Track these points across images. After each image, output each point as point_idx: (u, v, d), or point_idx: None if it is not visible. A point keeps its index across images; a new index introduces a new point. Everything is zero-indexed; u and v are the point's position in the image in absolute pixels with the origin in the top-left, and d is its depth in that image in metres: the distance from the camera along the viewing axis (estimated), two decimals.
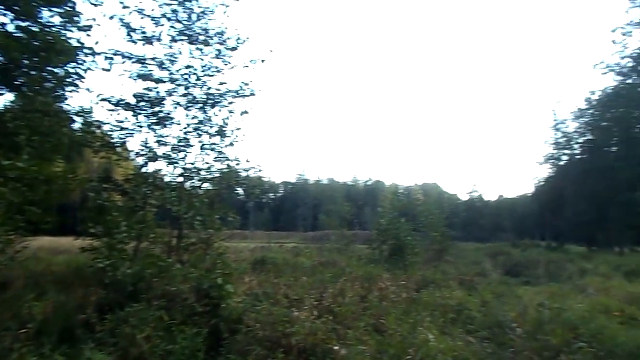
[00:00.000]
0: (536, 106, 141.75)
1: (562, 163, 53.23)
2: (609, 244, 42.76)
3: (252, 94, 11.80)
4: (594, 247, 43.70)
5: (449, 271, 14.61)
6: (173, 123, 11.00)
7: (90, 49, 10.16)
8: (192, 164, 11.19)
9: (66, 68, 9.97)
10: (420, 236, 19.84)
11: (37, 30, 9.43)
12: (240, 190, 13.12)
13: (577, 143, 50.56)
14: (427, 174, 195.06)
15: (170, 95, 10.97)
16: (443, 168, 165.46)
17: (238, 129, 11.58)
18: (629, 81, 40.95)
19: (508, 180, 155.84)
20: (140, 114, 10.61)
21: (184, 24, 11.10)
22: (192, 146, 11.16)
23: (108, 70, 10.42)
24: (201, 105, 11.30)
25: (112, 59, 10.48)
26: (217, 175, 11.53)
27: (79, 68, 10.12)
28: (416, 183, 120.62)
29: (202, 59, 11.40)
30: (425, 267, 15.02)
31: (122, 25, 10.63)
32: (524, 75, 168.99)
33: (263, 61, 11.89)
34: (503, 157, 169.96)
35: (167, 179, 11.17)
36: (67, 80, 10.01)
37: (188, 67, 11.21)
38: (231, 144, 11.55)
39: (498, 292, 11.55)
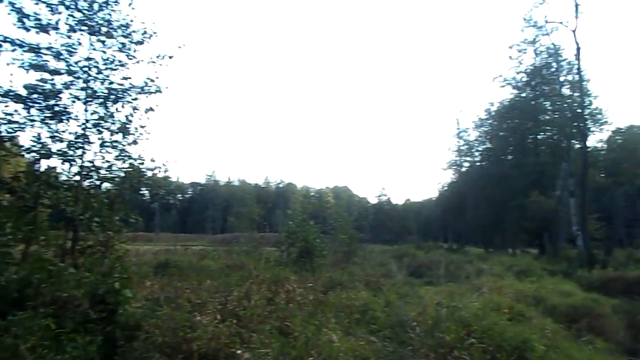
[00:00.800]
0: (442, 114, 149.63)
1: (463, 169, 56.48)
2: (504, 245, 45.86)
3: (158, 91, 11.26)
4: (491, 248, 46.62)
5: (356, 272, 14.89)
6: (70, 118, 10.23)
7: None
8: (91, 161, 10.48)
9: None
10: (329, 238, 20.11)
11: None
12: (144, 191, 12.54)
13: (478, 151, 53.90)
14: (338, 177, 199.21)
15: (67, 88, 10.20)
16: (354, 172, 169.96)
17: (142, 127, 11.03)
18: (523, 94, 44.29)
19: (415, 184, 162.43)
20: (32, 106, 9.78)
21: (84, 13, 10.38)
22: (91, 143, 10.46)
23: None
24: (102, 100, 10.62)
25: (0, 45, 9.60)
26: (119, 174, 10.91)
27: None
28: (327, 186, 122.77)
29: (104, 52, 10.70)
30: (333, 269, 15.21)
31: (12, 10, 9.79)
32: (432, 84, 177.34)
33: (171, 57, 11.41)
34: (411, 162, 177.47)
35: (62, 178, 10.40)
36: None
37: (88, 59, 10.49)
38: (134, 142, 10.96)
39: (402, 292, 11.93)
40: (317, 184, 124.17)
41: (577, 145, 32.20)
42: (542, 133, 44.01)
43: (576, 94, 31.41)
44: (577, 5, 29.94)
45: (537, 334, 6.45)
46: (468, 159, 55.87)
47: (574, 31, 30.22)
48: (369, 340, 6.80)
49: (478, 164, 53.44)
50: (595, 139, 36.16)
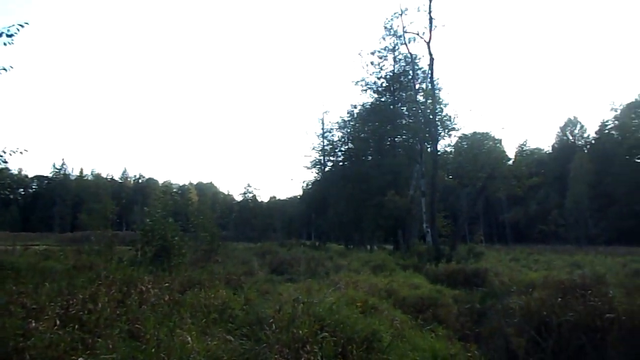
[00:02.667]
0: (309, 114, 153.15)
1: (327, 168, 58.21)
2: (363, 242, 48.13)
3: None
4: (351, 245, 48.69)
5: (216, 271, 14.52)
6: None
7: None
8: None
9: None
10: (189, 236, 19.45)
11: None
12: None
13: (341, 151, 55.82)
14: (203, 173, 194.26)
15: None
16: (220, 168, 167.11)
17: None
18: (383, 99, 46.79)
19: (281, 182, 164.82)
20: None
21: None
22: None
23: None
24: None
25: None
26: None
27: None
28: (191, 182, 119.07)
29: None
30: (193, 268, 14.71)
31: None
32: (299, 84, 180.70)
33: (10, 35, 10.18)
34: (277, 160, 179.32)
35: None
36: None
37: None
38: None
39: (262, 290, 11.87)
40: (180, 180, 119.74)
41: (429, 149, 34.74)
42: (399, 136, 46.73)
43: (429, 101, 33.92)
44: (431, 19, 32.39)
45: (386, 325, 6.76)
46: (332, 158, 57.75)
47: (428, 43, 32.65)
48: (226, 340, 6.62)
49: (341, 163, 55.39)
50: (445, 144, 39.36)
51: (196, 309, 8.64)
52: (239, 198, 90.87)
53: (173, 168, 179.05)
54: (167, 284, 10.39)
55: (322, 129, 57.87)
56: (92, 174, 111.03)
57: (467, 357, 6.40)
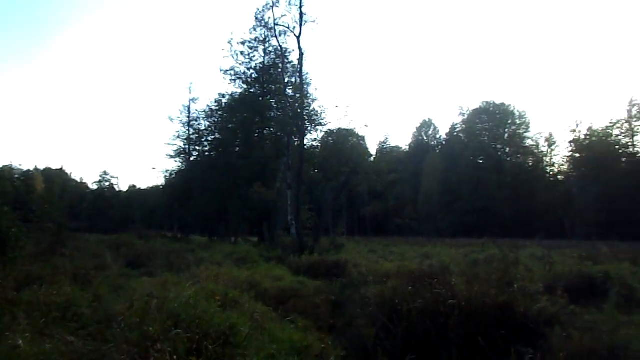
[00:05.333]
0: (173, 100, 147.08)
1: (192, 158, 56.48)
2: (227, 234, 47.58)
3: None
4: (215, 237, 47.88)
5: (62, 265, 13.28)
6: None
7: None
8: None
9: None
10: (32, 227, 17.56)
11: None
12: None
13: (207, 140, 54.50)
14: (52, 158, 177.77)
15: None
16: (72, 153, 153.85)
17: None
18: (252, 90, 46.50)
19: (141, 171, 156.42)
20: None
21: None
22: None
23: None
24: None
25: None
26: None
27: None
28: (37, 167, 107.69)
29: None
30: (34, 262, 13.29)
31: None
32: (165, 69, 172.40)
33: None
34: (138, 148, 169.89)
35: None
36: None
37: None
38: None
39: (114, 285, 11.11)
40: (24, 165, 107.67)
41: (296, 142, 35.27)
42: (268, 129, 46.89)
43: (297, 95, 34.38)
44: (302, 14, 32.79)
45: (245, 318, 6.63)
46: (198, 148, 56.18)
47: (298, 37, 33.06)
48: (67, 341, 6.01)
49: (207, 153, 54.14)
50: (312, 138, 40.27)
51: (34, 308, 7.78)
52: (94, 187, 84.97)
53: (16, 151, 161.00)
54: None
55: (188, 117, 56.02)
56: None
57: (321, 347, 6.49)
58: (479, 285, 7.50)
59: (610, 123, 67.08)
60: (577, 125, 69.88)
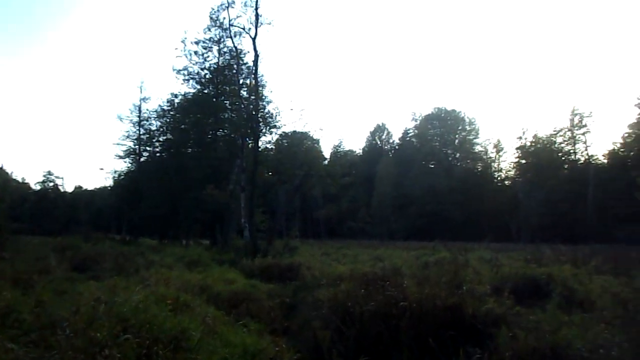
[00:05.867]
0: (122, 99, 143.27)
1: (142, 159, 55.11)
2: (179, 237, 46.72)
3: None
4: (166, 240, 46.90)
5: (2, 269, 12.70)
6: None
7: None
8: None
9: None
10: None
11: None
12: None
13: (158, 141, 53.30)
14: None
15: None
16: (13, 151, 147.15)
17: None
18: (206, 91, 45.85)
19: (88, 171, 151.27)
20: None
21: None
22: None
23: None
24: None
25: None
26: None
27: None
28: None
29: None
30: None
31: None
32: (113, 65, 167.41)
33: None
34: (83, 147, 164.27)
35: None
36: None
37: None
38: None
39: (59, 290, 10.70)
40: None
41: (250, 144, 34.96)
42: (221, 130, 46.38)
43: (252, 97, 34.11)
44: (257, 16, 32.54)
45: (197, 322, 6.51)
46: (148, 148, 54.86)
47: (253, 39, 32.75)
48: (7, 348, 5.73)
49: (158, 154, 52.98)
50: (266, 140, 40.11)
51: None
52: (37, 187, 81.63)
53: None
54: None
55: (139, 116, 54.55)
56: None
57: (275, 350, 6.47)
58: (430, 288, 7.67)
59: (554, 131, 70.18)
60: (524, 133, 72.97)
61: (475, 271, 11.93)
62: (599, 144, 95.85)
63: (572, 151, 69.35)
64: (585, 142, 68.12)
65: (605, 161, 64.42)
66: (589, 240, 36.13)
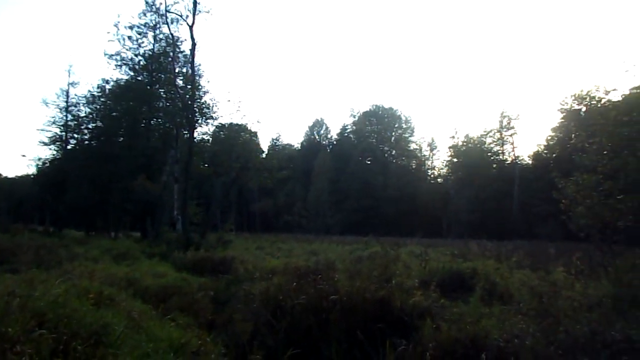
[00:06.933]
0: (48, 82, 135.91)
1: (69, 146, 52.42)
2: (107, 228, 44.97)
3: None
4: (92, 231, 44.99)
5: None
6: None
7: None
8: None
9: None
10: None
11: None
12: None
13: (88, 128, 50.91)
14: None
15: None
16: None
17: None
18: (140, 78, 44.22)
19: (7, 157, 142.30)
20: None
21: None
22: None
23: None
24: None
25: None
26: None
27: None
28: None
29: None
30: None
31: None
32: (39, 47, 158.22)
33: None
34: (2, 132, 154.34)
35: None
36: None
37: None
38: None
39: None
40: None
41: (186, 135, 34.13)
42: (155, 119, 45.01)
43: (188, 87, 33.29)
44: (195, 3, 31.68)
45: (121, 317, 6.27)
46: (76, 136, 52.15)
47: (191, 27, 31.91)
48: None
49: (87, 142, 50.58)
50: (202, 131, 39.29)
51: None
52: None
53: None
54: None
55: (67, 102, 51.65)
56: None
57: (198, 344, 6.33)
58: (361, 281, 7.77)
59: (484, 132, 73.38)
60: (456, 133, 75.90)
61: (406, 265, 12.22)
62: (525, 145, 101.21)
63: (500, 151, 72.82)
64: (512, 144, 71.79)
65: (530, 162, 67.96)
66: (513, 236, 38.06)
